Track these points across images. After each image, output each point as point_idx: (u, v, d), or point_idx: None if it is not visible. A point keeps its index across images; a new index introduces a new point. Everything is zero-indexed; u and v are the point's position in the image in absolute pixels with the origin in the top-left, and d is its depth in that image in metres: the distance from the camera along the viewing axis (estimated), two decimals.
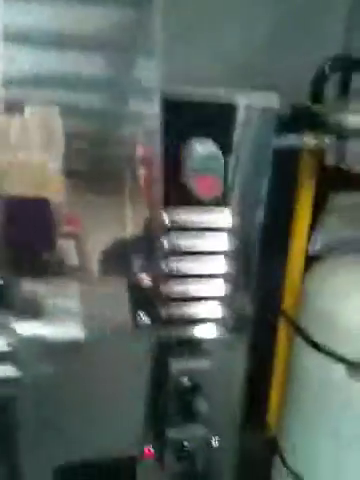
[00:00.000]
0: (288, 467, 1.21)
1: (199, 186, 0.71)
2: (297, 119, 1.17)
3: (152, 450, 0.83)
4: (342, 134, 1.09)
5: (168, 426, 0.81)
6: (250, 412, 1.28)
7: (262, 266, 1.23)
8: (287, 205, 1.21)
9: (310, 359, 1.13)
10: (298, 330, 1.16)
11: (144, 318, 0.74)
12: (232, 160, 0.73)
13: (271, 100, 0.76)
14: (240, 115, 0.71)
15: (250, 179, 0.75)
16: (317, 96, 1.15)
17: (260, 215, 0.77)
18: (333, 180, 1.16)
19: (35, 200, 0.73)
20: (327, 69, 1.15)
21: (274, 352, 1.29)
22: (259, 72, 1.20)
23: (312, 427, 1.14)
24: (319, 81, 1.14)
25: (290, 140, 1.09)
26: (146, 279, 0.73)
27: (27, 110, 0.72)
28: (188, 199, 0.73)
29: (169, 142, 0.70)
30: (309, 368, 1.14)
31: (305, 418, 1.16)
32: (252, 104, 0.74)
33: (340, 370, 1.08)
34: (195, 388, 0.79)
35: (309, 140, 1.10)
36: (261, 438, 1.31)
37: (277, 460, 1.26)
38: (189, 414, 0.80)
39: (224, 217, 0.76)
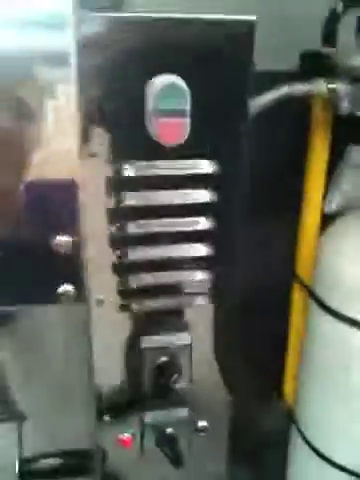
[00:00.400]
0: (304, 438, 1.16)
1: (160, 130, 0.61)
2: (307, 66, 1.07)
3: (128, 437, 0.75)
4: (356, 79, 0.95)
5: (145, 410, 0.73)
6: (265, 383, 1.27)
7: (274, 227, 1.21)
8: (300, 160, 1.13)
9: (326, 325, 1.06)
10: (313, 295, 1.09)
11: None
12: (202, 97, 0.61)
13: (248, 25, 0.63)
14: (210, 42, 0.60)
15: (227, 121, 0.63)
16: (329, 39, 1.04)
17: (244, 165, 0.65)
18: (349, 131, 1.04)
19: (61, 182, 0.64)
20: (340, 8, 1.02)
21: (289, 320, 1.23)
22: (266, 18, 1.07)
23: (329, 396, 1.09)
24: (331, 22, 1.03)
25: (300, 88, 0.99)
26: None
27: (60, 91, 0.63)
28: (154, 149, 0.63)
29: (132, 82, 0.60)
30: (325, 335, 1.08)
31: (321, 387, 1.10)
32: (225, 30, 0.61)
33: (358, 336, 1.01)
34: (172, 367, 0.71)
35: (321, 87, 0.99)
36: (277, 409, 1.23)
37: (293, 431, 1.21)
38: (169, 396, 0.72)
39: (196, 167, 0.64)
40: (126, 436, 0.74)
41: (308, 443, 1.15)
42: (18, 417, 0.73)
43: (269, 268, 1.25)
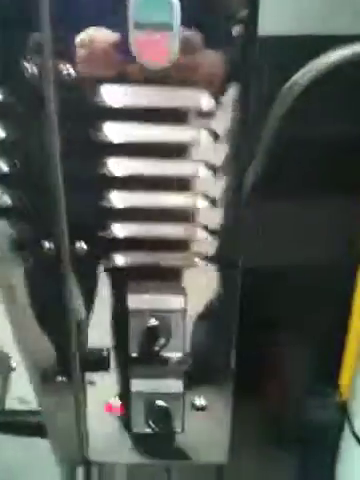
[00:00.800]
0: (355, 435, 1.06)
1: (142, 47, 0.51)
2: None
3: (118, 404, 0.68)
4: None
5: (132, 377, 0.65)
6: (321, 373, 1.19)
7: (339, 202, 1.10)
8: None
9: None
10: None
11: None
12: (197, 11, 0.51)
13: None
14: None
15: (228, 42, 0.52)
16: None
17: (250, 102, 0.54)
18: None
19: None
20: None
21: (351, 304, 1.13)
22: None
23: None
24: None
25: None
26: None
27: None
28: (138, 73, 0.53)
29: None
30: None
31: None
32: None
33: None
34: (160, 331, 0.62)
35: None
36: (331, 400, 1.15)
37: (347, 425, 1.12)
38: (155, 363, 0.63)
39: (188, 99, 0.54)
40: (115, 402, 0.67)
41: (358, 439, 1.03)
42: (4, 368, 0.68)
43: (334, 246, 1.14)
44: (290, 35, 0.86)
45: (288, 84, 0.79)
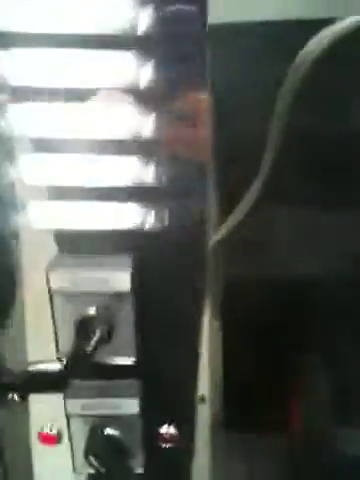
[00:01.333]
0: None
1: None
2: None
3: (51, 432, 0.48)
4: None
5: (68, 394, 0.46)
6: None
7: None
8: None
9: None
10: None
11: None
12: None
13: None
14: None
15: None
16: None
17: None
18: None
19: None
20: None
21: None
22: None
23: None
24: None
25: None
26: None
27: None
28: None
29: None
30: None
31: None
32: None
33: None
34: (100, 323, 0.43)
35: None
36: None
37: None
38: (103, 375, 0.44)
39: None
40: (49, 431, 0.47)
41: None
42: None
43: None
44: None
45: (295, 62, 0.68)
